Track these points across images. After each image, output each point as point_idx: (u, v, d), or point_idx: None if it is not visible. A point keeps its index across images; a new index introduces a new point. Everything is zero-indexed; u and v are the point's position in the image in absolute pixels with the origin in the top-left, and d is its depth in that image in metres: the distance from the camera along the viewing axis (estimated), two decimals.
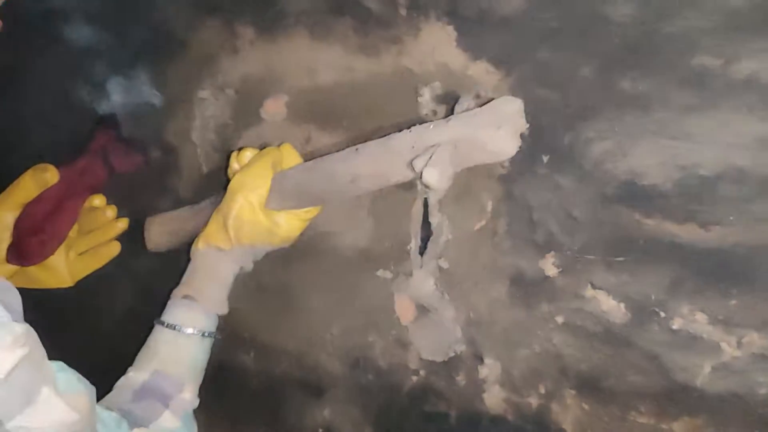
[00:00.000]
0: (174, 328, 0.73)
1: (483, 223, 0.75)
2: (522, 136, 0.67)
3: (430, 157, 0.64)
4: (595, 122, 0.65)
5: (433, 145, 0.66)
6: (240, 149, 0.79)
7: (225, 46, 0.87)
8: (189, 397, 0.71)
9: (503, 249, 0.73)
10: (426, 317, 0.81)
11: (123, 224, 0.93)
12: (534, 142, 0.69)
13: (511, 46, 0.69)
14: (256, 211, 0.74)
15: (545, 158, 0.69)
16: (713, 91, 0.59)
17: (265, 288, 0.92)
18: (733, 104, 0.58)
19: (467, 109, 0.69)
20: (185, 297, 0.75)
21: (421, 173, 0.64)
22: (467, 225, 0.75)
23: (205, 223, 0.78)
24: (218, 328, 0.77)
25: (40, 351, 0.47)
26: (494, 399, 0.77)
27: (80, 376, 0.52)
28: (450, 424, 0.80)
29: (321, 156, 0.75)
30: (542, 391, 0.74)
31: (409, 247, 0.80)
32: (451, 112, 0.73)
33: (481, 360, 0.77)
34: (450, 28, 0.71)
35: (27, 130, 1.02)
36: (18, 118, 1.01)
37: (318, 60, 0.81)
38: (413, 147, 0.67)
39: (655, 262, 0.65)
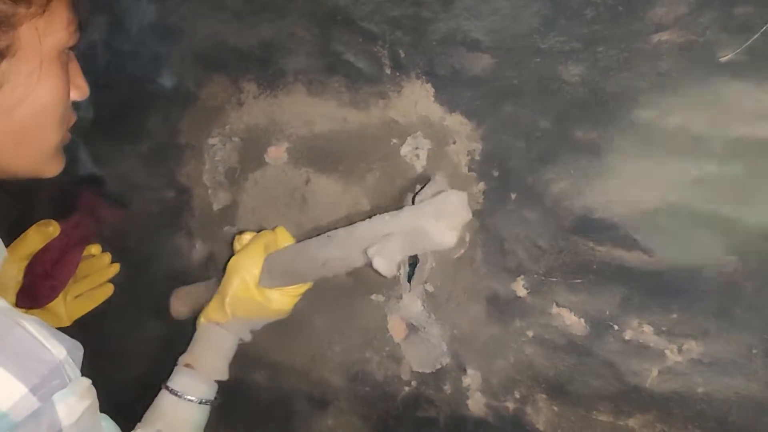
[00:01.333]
0: (176, 395, 0.77)
1: (462, 252, 0.80)
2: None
3: (381, 247, 0.69)
4: (554, 166, 0.71)
5: (386, 234, 0.70)
6: (240, 233, 0.84)
7: (231, 99, 0.91)
8: None
9: (480, 274, 0.79)
10: (415, 335, 0.85)
11: (115, 268, 0.97)
12: (503, 182, 0.75)
13: (480, 101, 0.74)
14: (250, 289, 0.78)
15: (513, 196, 0.75)
16: (650, 138, 0.65)
17: None
18: (666, 150, 0.65)
19: (421, 200, 0.74)
20: (187, 366, 0.80)
21: (371, 261, 0.69)
22: (449, 254, 0.80)
23: (209, 299, 0.83)
24: (218, 391, 0.81)
25: (96, 402, 0.53)
26: (477, 404, 0.82)
27: (117, 425, 0.59)
28: (439, 427, 0.84)
29: (305, 240, 0.80)
30: (517, 396, 0.78)
31: (398, 274, 0.85)
32: (411, 201, 0.77)
33: (464, 371, 0.82)
34: (429, 86, 0.77)
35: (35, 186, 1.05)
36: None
37: (315, 112, 0.85)
38: (372, 236, 0.71)
39: (608, 283, 0.71)
